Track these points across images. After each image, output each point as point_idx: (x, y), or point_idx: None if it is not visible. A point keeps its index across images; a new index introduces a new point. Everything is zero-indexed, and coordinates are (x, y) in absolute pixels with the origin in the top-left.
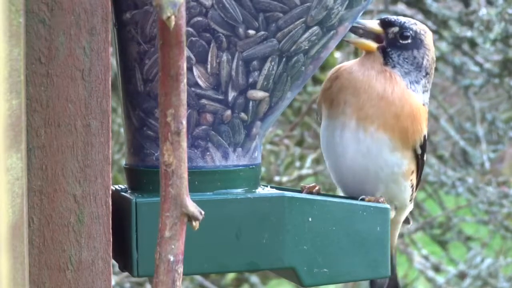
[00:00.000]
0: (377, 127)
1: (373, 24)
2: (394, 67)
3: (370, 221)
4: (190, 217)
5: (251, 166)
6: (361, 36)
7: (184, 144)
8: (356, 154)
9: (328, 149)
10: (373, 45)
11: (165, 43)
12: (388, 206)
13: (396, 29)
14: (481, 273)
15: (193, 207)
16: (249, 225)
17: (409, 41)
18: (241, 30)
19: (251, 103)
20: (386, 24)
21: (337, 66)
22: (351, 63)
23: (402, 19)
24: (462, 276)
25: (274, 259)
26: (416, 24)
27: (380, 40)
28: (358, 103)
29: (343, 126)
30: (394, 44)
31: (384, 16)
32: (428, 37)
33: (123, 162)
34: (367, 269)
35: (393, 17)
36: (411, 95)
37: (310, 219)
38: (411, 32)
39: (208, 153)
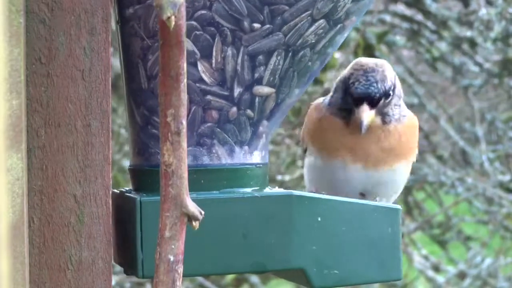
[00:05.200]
0: (391, 164)
1: (370, 114)
2: (390, 121)
3: (381, 222)
4: (190, 217)
5: (258, 165)
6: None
7: (184, 144)
8: (367, 185)
9: (324, 183)
10: (373, 115)
11: (165, 43)
12: (399, 207)
13: (383, 99)
14: (481, 273)
15: (193, 207)
16: (257, 224)
17: (391, 93)
18: (246, 24)
19: (257, 99)
20: (376, 102)
21: (313, 113)
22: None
23: (379, 85)
24: (462, 275)
25: (281, 259)
26: (384, 71)
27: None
28: (361, 157)
29: (346, 166)
30: (384, 104)
31: (383, 16)
32: (389, 69)
33: (124, 162)
34: (378, 271)
35: (373, 90)
36: (404, 125)
37: (319, 219)
38: (391, 90)
39: (213, 150)
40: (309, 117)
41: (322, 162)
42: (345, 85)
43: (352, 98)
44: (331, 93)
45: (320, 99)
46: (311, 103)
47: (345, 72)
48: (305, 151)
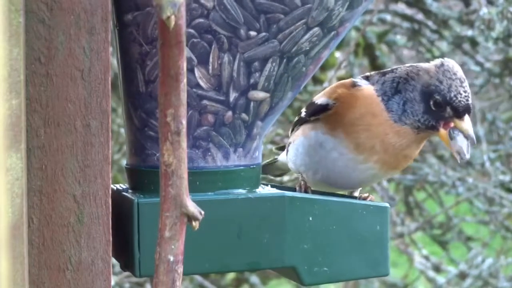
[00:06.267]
0: (393, 170)
1: (468, 124)
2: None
3: (369, 220)
4: (190, 217)
5: (252, 166)
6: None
7: (184, 144)
8: (357, 178)
9: (322, 164)
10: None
11: (165, 43)
12: (387, 205)
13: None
14: (481, 273)
15: (193, 207)
16: (250, 224)
17: None
18: (242, 32)
19: (252, 103)
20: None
21: (366, 107)
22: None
23: (471, 97)
24: (462, 276)
25: (275, 258)
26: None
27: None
28: (383, 158)
29: (357, 161)
30: None
31: (384, 15)
32: None
33: (123, 162)
34: (367, 267)
35: (471, 103)
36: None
37: (310, 218)
38: None
39: (209, 153)
40: (357, 107)
41: (336, 148)
42: (436, 92)
43: (454, 110)
44: (387, 90)
45: (369, 89)
46: (358, 89)
47: (425, 76)
48: (302, 122)
